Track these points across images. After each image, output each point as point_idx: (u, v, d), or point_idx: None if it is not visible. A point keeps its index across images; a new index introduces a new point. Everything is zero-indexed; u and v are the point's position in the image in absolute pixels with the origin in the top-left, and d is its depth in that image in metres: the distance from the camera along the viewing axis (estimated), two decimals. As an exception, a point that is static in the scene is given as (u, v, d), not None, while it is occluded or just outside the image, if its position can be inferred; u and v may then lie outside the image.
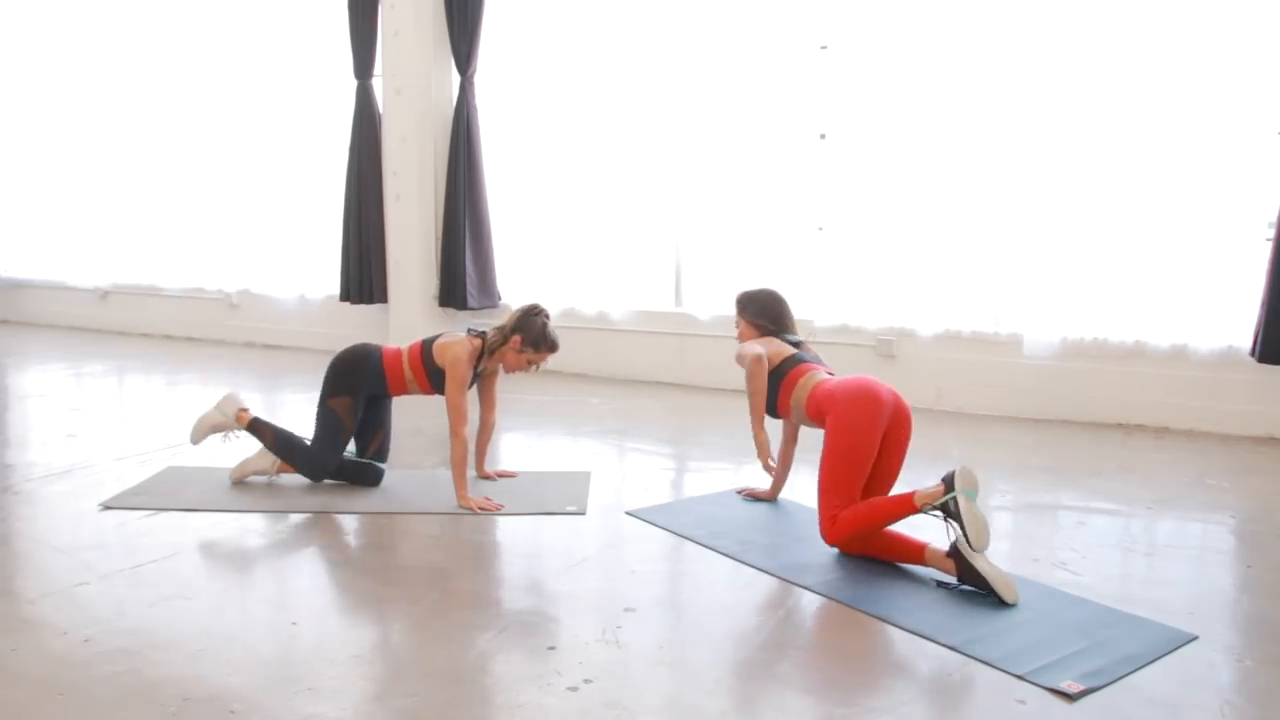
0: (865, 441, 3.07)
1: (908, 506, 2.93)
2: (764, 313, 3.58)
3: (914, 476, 3.45)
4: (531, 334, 3.63)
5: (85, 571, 2.96)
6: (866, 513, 3.01)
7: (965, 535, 2.81)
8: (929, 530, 3.15)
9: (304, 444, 3.84)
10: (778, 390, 3.39)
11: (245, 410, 3.90)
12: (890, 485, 3.19)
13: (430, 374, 3.69)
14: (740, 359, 3.47)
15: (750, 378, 3.42)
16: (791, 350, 3.46)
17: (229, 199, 7.70)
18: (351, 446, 3.91)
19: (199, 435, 3.89)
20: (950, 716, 2.20)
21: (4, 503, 3.64)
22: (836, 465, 3.07)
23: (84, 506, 3.59)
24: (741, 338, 3.62)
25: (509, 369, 3.72)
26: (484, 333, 3.71)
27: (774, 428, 3.57)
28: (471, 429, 3.70)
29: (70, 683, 2.30)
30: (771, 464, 3.44)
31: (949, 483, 2.88)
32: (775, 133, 5.76)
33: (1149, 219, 4.87)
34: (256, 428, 3.87)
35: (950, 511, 2.86)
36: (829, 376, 3.33)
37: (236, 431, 3.90)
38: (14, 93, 8.78)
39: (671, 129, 6.03)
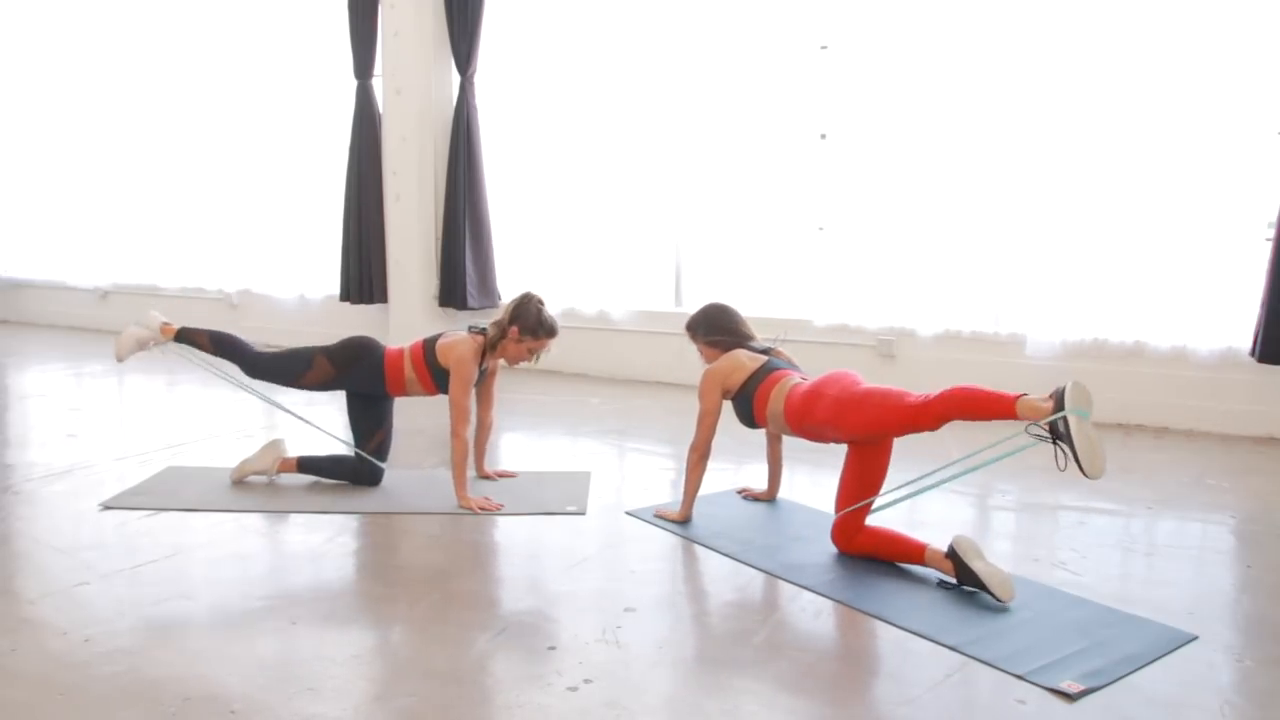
0: (862, 384, 3.03)
1: (1008, 409, 2.67)
2: (716, 328, 3.51)
3: (912, 477, 3.44)
4: (528, 321, 3.62)
5: (85, 571, 2.96)
6: (963, 395, 2.76)
7: (1077, 460, 2.56)
8: (929, 529, 3.16)
9: (250, 346, 3.82)
10: (752, 404, 3.30)
11: (169, 324, 3.87)
12: (879, 486, 3.09)
13: (434, 374, 3.68)
14: (700, 393, 3.39)
15: (698, 421, 3.37)
16: (760, 362, 3.35)
17: (229, 199, 7.71)
18: (351, 439, 3.91)
19: (124, 352, 3.83)
20: (950, 716, 2.20)
21: (4, 503, 3.65)
22: (864, 402, 2.93)
23: (84, 506, 3.59)
24: (705, 359, 3.54)
25: (512, 361, 3.70)
26: (485, 330, 3.70)
27: (756, 437, 3.58)
28: (470, 429, 3.69)
29: (70, 683, 2.30)
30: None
31: (1059, 399, 2.60)
32: (775, 133, 5.77)
33: (1149, 219, 4.86)
34: (187, 336, 3.84)
35: (1059, 433, 2.59)
36: (802, 380, 3.26)
37: (164, 344, 3.85)
38: (14, 93, 8.78)
39: (671, 129, 6.03)
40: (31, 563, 3.10)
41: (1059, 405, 2.60)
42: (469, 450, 3.65)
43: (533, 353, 3.67)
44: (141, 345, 3.85)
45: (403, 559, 3.20)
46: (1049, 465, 4.11)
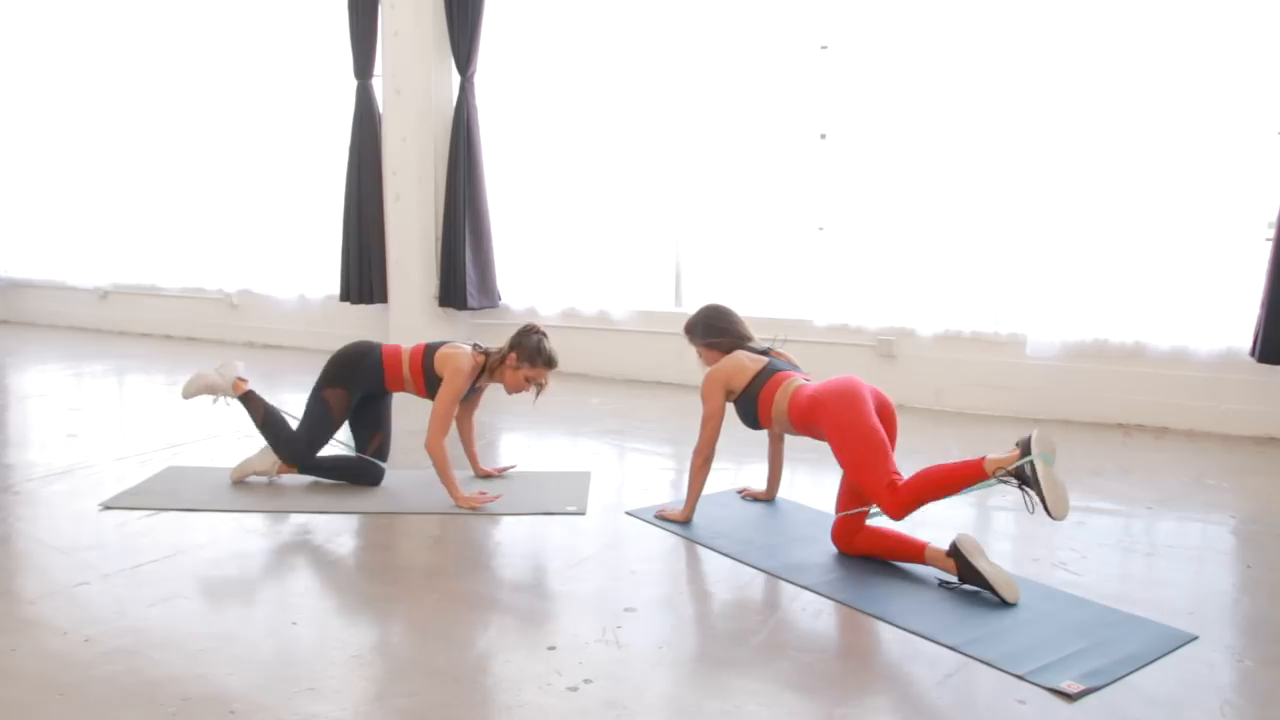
0: (867, 419, 2.98)
1: (976, 472, 2.76)
2: (713, 329, 3.51)
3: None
4: (526, 350, 3.64)
5: (85, 571, 2.96)
6: (930, 479, 2.83)
7: (1044, 503, 2.66)
8: (930, 529, 3.16)
9: (290, 428, 3.84)
10: (756, 406, 3.29)
11: (244, 380, 3.89)
12: None
13: (428, 380, 3.70)
14: (703, 395, 3.37)
15: (703, 424, 3.36)
16: (762, 364, 3.35)
17: (229, 199, 7.70)
18: (351, 442, 3.93)
19: (191, 391, 3.86)
20: (950, 716, 2.20)
21: (4, 503, 3.65)
22: (857, 447, 2.94)
23: (84, 506, 3.59)
24: (704, 361, 3.53)
25: (510, 388, 3.72)
26: (489, 351, 3.72)
27: (756, 437, 3.58)
28: (451, 437, 3.67)
29: (70, 683, 2.30)
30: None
31: (1025, 446, 2.71)
32: (775, 133, 5.76)
33: (1149, 220, 4.86)
34: (250, 400, 3.86)
35: (1026, 478, 2.70)
36: (806, 381, 3.26)
37: (229, 399, 3.88)
38: (14, 93, 8.78)
39: (671, 129, 6.03)
40: (31, 563, 3.10)
41: (1025, 452, 2.71)
42: (448, 456, 3.64)
43: (530, 382, 3.68)
44: (209, 392, 3.87)
45: (403, 559, 3.20)
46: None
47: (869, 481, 2.90)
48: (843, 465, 3.01)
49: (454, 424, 3.77)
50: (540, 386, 3.70)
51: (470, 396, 3.88)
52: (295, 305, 7.47)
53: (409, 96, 6.51)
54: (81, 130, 8.44)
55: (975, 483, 2.78)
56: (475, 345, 3.76)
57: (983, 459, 2.77)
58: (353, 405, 3.81)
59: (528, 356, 3.64)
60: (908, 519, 2.96)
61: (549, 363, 3.67)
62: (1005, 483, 2.76)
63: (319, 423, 3.79)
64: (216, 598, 2.82)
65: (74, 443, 4.56)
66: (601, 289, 6.31)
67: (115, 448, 4.45)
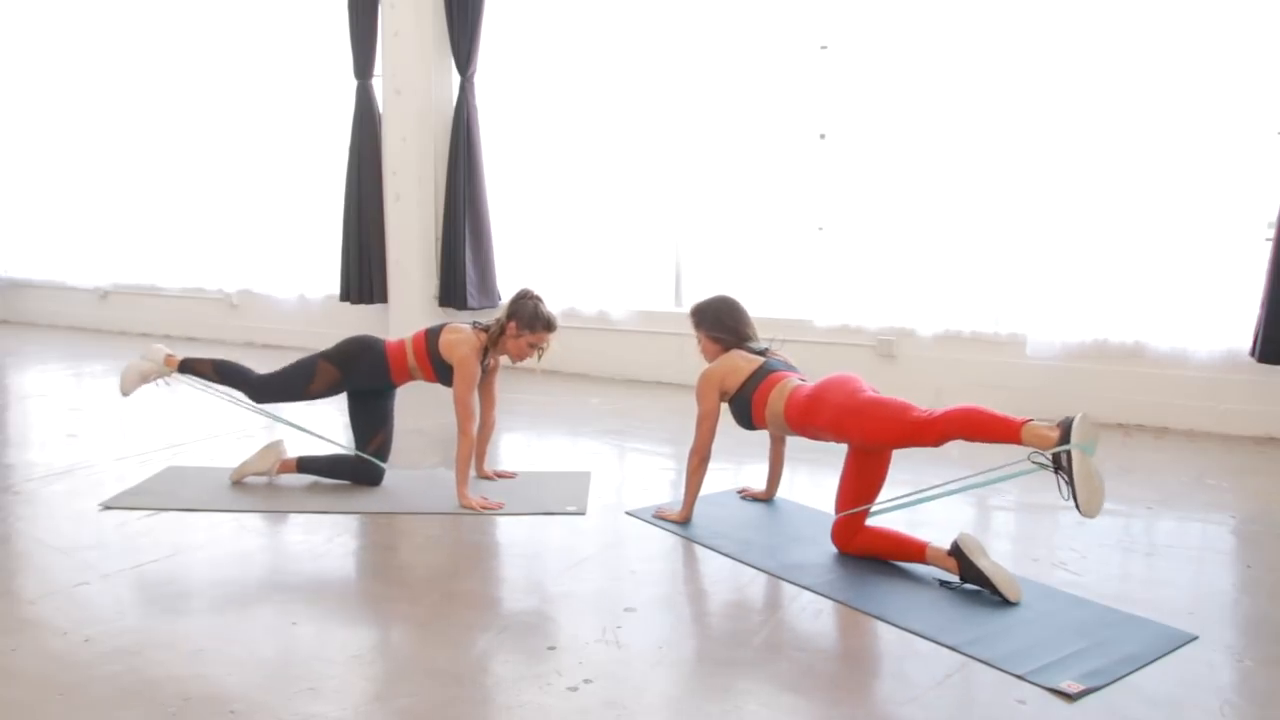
0: (866, 393, 2.98)
1: (1013, 434, 2.63)
2: (720, 324, 3.50)
3: (912, 478, 3.45)
4: (524, 315, 3.65)
5: (85, 571, 2.96)
6: (969, 416, 2.73)
7: (1075, 497, 2.56)
8: (930, 529, 3.16)
9: (252, 371, 3.84)
10: (750, 406, 3.29)
11: (173, 355, 3.87)
12: (879, 488, 3.09)
13: (436, 365, 3.71)
14: (698, 395, 3.39)
15: (698, 424, 3.37)
16: (757, 364, 3.35)
17: (229, 199, 7.71)
18: (351, 440, 3.92)
19: (129, 386, 3.83)
20: (950, 716, 2.20)
21: (4, 503, 3.65)
22: (874, 415, 2.90)
23: (84, 506, 3.59)
24: (703, 352, 3.53)
25: (514, 357, 3.72)
26: (488, 327, 3.73)
27: (755, 437, 3.58)
28: (475, 426, 3.70)
29: (70, 683, 2.30)
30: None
31: (1065, 431, 2.56)
32: (775, 133, 5.77)
33: (1150, 220, 4.85)
34: (191, 366, 3.84)
35: (1061, 465, 2.57)
36: (802, 382, 3.26)
37: (168, 378, 3.85)
38: (14, 93, 8.78)
39: (671, 129, 6.03)
40: (31, 563, 3.10)
41: (1065, 436, 2.57)
42: (471, 454, 3.67)
43: (533, 347, 3.69)
44: (145, 379, 3.85)
45: (403, 559, 3.20)
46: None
47: (903, 429, 2.83)
48: (875, 440, 2.95)
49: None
50: (542, 351, 3.72)
51: (485, 378, 3.87)
52: (295, 305, 7.48)
53: (409, 96, 6.51)
54: (82, 130, 8.44)
55: (1007, 441, 2.65)
56: (475, 324, 3.77)
57: (1025, 422, 2.63)
58: (334, 390, 3.79)
59: (527, 322, 3.65)
60: (908, 518, 2.96)
61: (548, 326, 3.69)
62: (1040, 465, 2.65)
63: (296, 379, 3.78)
64: (216, 597, 2.82)
65: (74, 443, 4.56)
66: (601, 289, 6.30)
67: (115, 448, 4.45)
